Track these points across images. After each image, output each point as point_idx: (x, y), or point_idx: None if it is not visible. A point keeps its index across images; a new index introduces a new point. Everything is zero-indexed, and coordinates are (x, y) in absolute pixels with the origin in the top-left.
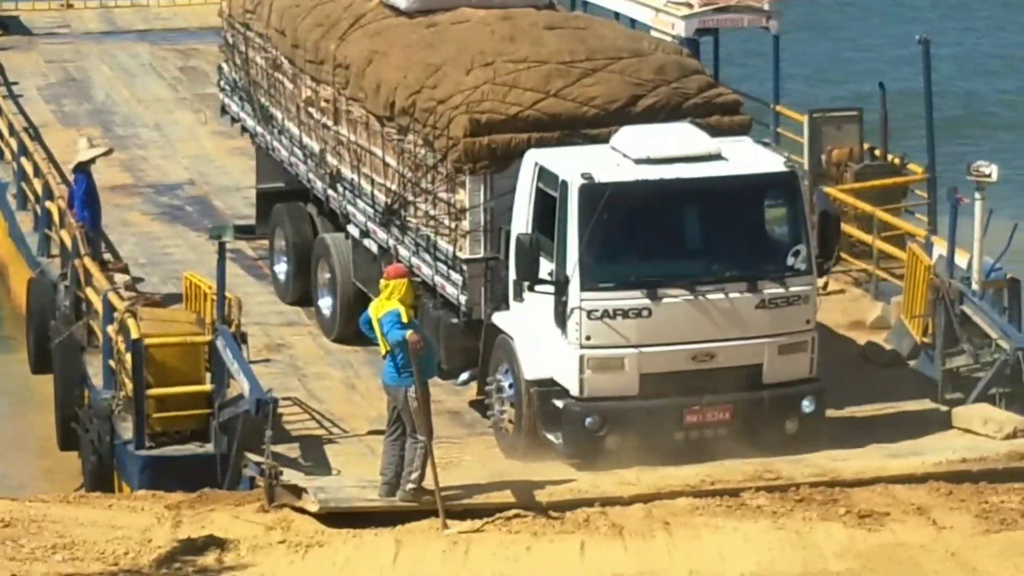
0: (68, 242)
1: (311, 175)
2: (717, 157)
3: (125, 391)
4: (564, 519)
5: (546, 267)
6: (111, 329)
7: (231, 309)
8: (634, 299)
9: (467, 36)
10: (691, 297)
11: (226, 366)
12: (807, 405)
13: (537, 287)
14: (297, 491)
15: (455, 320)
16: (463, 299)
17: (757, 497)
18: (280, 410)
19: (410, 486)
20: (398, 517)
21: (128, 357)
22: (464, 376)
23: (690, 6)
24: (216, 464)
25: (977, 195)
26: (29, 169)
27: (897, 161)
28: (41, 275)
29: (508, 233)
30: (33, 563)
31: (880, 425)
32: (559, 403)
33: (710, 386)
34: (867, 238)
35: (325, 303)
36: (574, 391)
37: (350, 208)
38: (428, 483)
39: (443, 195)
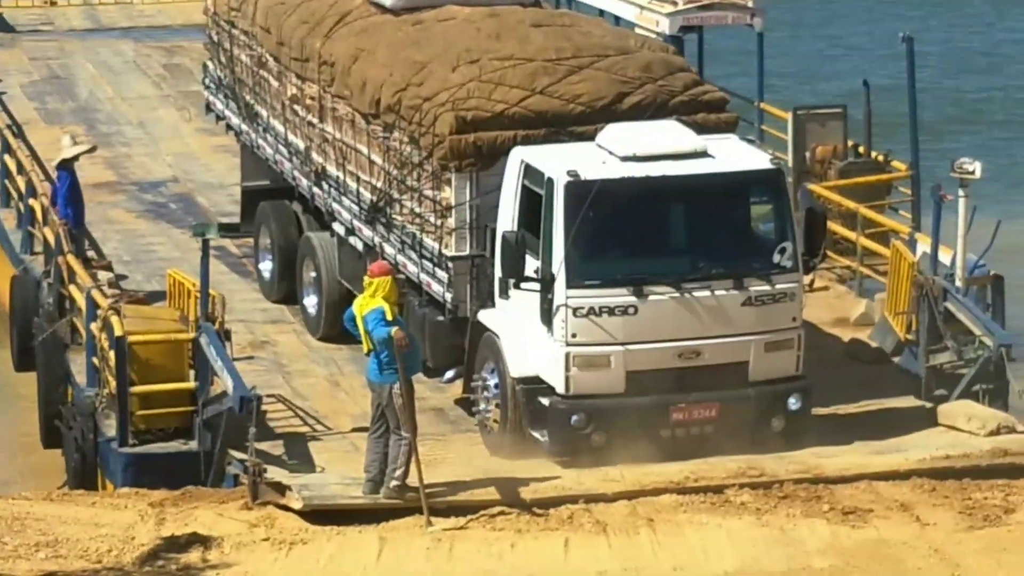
0: (51, 239)
1: (296, 173)
2: (703, 155)
3: (109, 388)
4: (548, 516)
5: (532, 265)
6: (95, 326)
7: (215, 306)
8: (620, 296)
9: (453, 34)
10: (677, 294)
11: (210, 363)
12: (793, 402)
13: (523, 285)
14: (281, 488)
15: (441, 318)
16: (449, 297)
17: (741, 494)
18: (264, 407)
19: (394, 483)
20: (382, 514)
21: (112, 354)
22: (450, 374)
23: (674, 3)
24: (200, 461)
25: (961, 192)
26: (12, 167)
27: (881, 158)
28: (24, 272)
29: (494, 231)
30: (16, 561)
31: (864, 422)
32: (545, 401)
33: (696, 384)
34: (851, 235)
35: (310, 302)
36: (560, 389)
37: (335, 206)
38: (412, 480)
39: (429, 193)
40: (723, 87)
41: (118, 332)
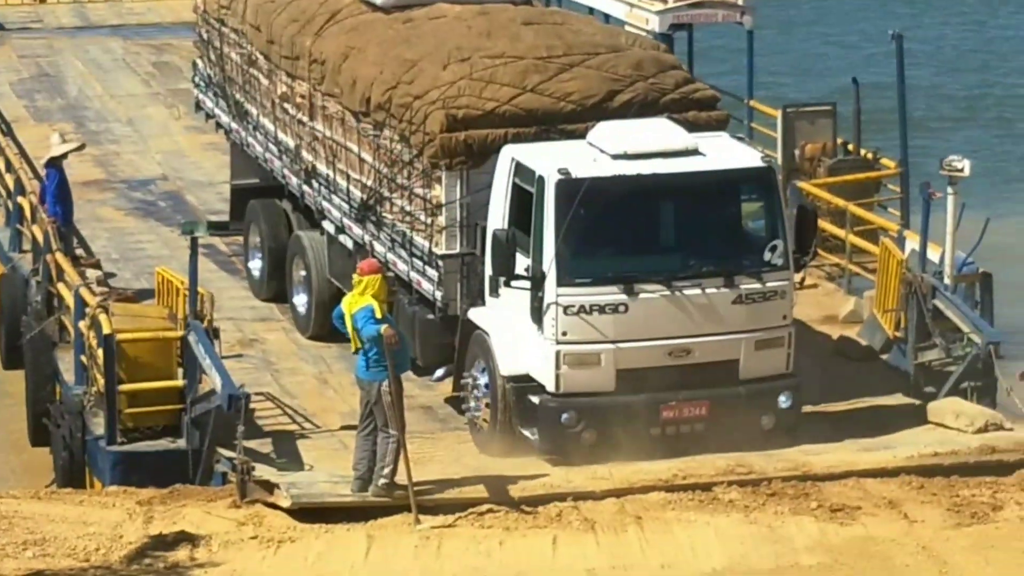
0: (40, 237)
1: (286, 171)
2: (694, 152)
3: (97, 387)
4: (537, 514)
5: (522, 263)
6: (83, 324)
7: (203, 304)
8: (611, 295)
9: (443, 32)
10: (668, 293)
11: (198, 361)
12: (784, 400)
13: (513, 283)
14: (269, 486)
15: (431, 316)
16: (439, 295)
17: (729, 491)
18: (252, 405)
19: (382, 481)
20: (370, 512)
21: (100, 352)
22: (439, 372)
23: (664, 1)
24: (188, 460)
25: (950, 190)
26: (1, 164)
27: (870, 156)
28: (13, 270)
29: (484, 229)
30: (3, 559)
31: (852, 419)
32: (535, 399)
33: (687, 382)
34: (840, 233)
35: (300, 300)
36: (550, 387)
37: (325, 204)
38: (401, 478)
39: (419, 191)
40: (713, 85)
41: (106, 330)
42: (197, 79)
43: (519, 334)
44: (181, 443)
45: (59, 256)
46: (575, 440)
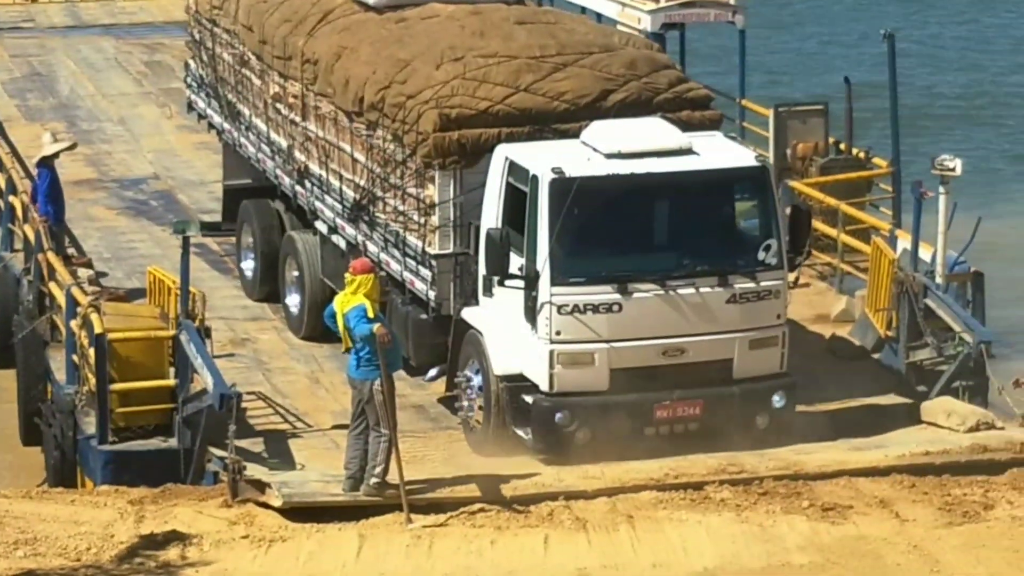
0: (32, 237)
1: (279, 171)
2: (688, 152)
3: (88, 386)
4: (528, 513)
5: (516, 262)
6: (74, 324)
7: (195, 304)
8: (604, 294)
9: (437, 31)
10: (662, 292)
11: (190, 361)
12: (777, 400)
13: (507, 282)
14: (261, 486)
15: (424, 316)
16: (432, 295)
17: (721, 490)
18: (244, 405)
19: (374, 480)
20: (362, 512)
21: (91, 352)
22: (433, 372)
23: (656, 1)
24: (179, 459)
25: (941, 189)
26: None
27: (862, 155)
28: (4, 270)
29: (478, 228)
30: None
31: (844, 418)
32: (528, 399)
33: (680, 381)
34: (832, 232)
35: (293, 300)
36: (544, 386)
37: (318, 204)
38: (392, 477)
39: (412, 191)
40: (705, 84)
41: (98, 329)
42: (189, 80)
43: (513, 334)
44: (172, 442)
45: (51, 255)
46: (569, 440)
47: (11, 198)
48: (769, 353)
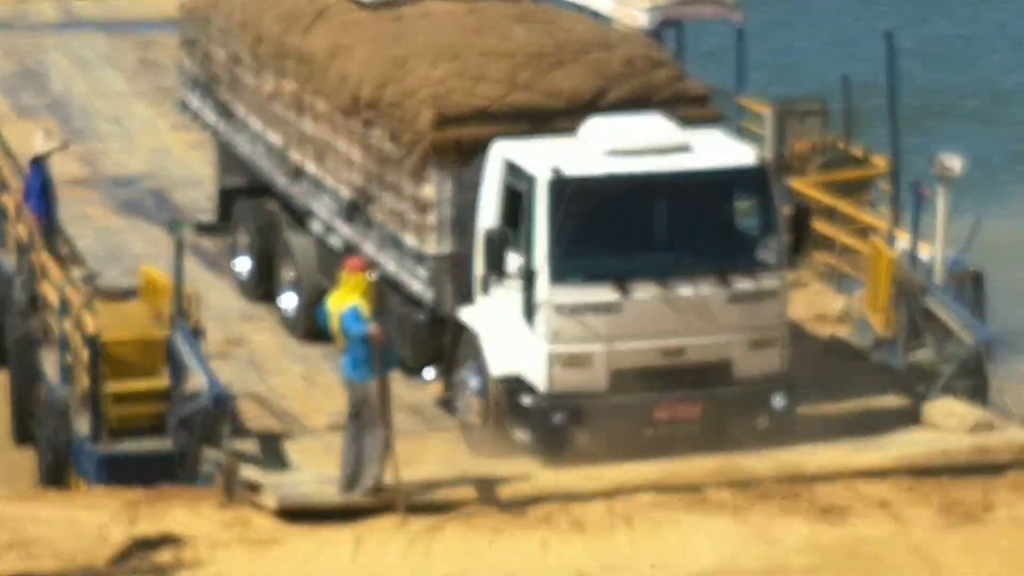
0: (24, 236)
1: (274, 171)
2: (687, 149)
3: (81, 386)
4: (526, 515)
5: (514, 261)
6: (67, 324)
7: (189, 303)
8: (603, 294)
9: (433, 29)
10: (661, 292)
11: (184, 361)
12: (778, 401)
13: (505, 282)
14: (255, 487)
15: (421, 316)
16: (429, 295)
17: (719, 492)
18: (238, 405)
19: (370, 481)
20: (358, 513)
21: (84, 352)
22: (429, 373)
23: None
24: (174, 460)
25: (940, 188)
26: None
27: (860, 154)
28: None
29: (475, 227)
30: None
31: (842, 419)
32: (526, 400)
33: (680, 382)
34: (830, 231)
35: (288, 301)
36: (542, 387)
37: (314, 204)
38: (388, 478)
39: (409, 189)
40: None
41: (91, 329)
42: (183, 79)
43: (510, 334)
44: (167, 443)
45: (43, 255)
46: (567, 442)
47: (3, 197)
48: (769, 353)
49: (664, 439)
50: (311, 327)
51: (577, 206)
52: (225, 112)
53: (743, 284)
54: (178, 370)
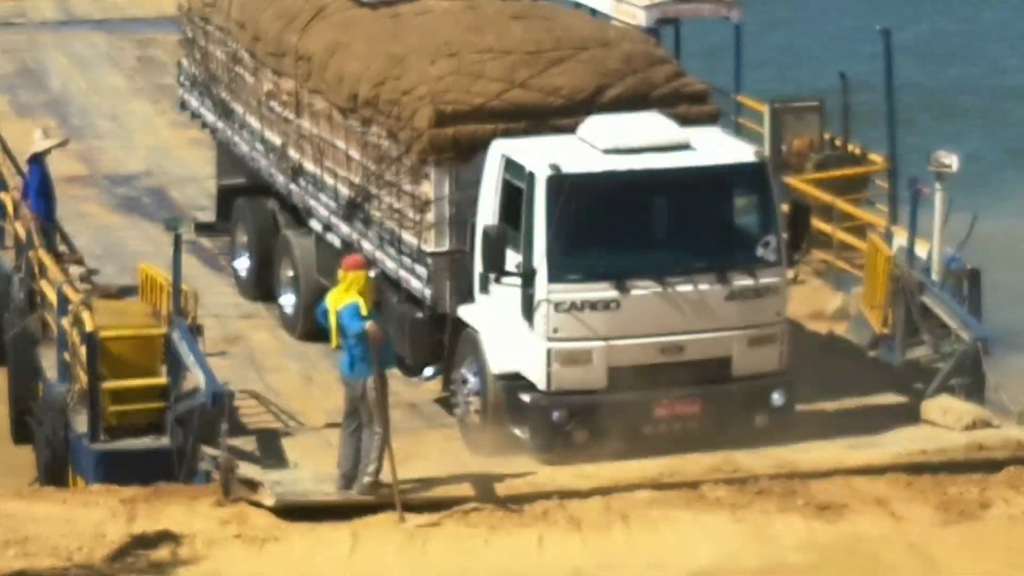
0: (22, 234)
1: (273, 169)
2: (685, 147)
3: (79, 384)
4: (523, 512)
5: (513, 259)
6: (65, 321)
7: (187, 301)
8: (602, 291)
9: (431, 26)
10: (660, 289)
11: (182, 359)
12: (777, 398)
13: (504, 279)
14: (253, 485)
15: (420, 314)
16: (428, 293)
17: (716, 489)
18: (236, 403)
19: (367, 479)
20: (355, 510)
21: (82, 350)
22: (429, 371)
23: None
24: (172, 458)
25: (938, 186)
26: None
27: (858, 151)
28: None
29: (474, 225)
30: None
31: (839, 416)
32: (526, 397)
33: (679, 379)
34: (827, 228)
35: (288, 300)
36: (541, 385)
37: (312, 202)
38: (386, 476)
39: (407, 187)
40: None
41: (89, 327)
42: (182, 78)
43: (509, 332)
44: (165, 441)
45: (42, 253)
46: (566, 439)
47: (1, 195)
48: (768, 351)
49: (663, 436)
50: (310, 326)
51: (576, 203)
52: (224, 111)
53: (742, 281)
54: (176, 368)
